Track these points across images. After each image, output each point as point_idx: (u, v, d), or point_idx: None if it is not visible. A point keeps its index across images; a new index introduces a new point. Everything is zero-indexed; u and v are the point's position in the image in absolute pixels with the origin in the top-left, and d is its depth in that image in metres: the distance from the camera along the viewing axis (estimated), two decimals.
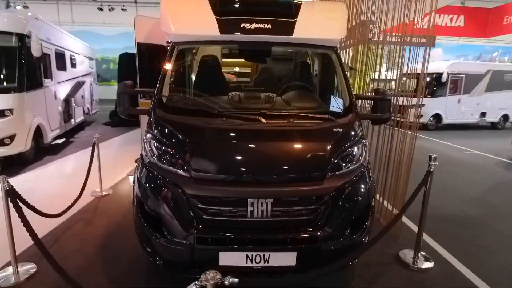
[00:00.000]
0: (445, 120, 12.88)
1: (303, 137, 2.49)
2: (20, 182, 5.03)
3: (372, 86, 19.46)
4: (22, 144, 5.68)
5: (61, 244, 3.34)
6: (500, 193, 5.57)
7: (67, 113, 8.16)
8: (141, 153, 2.61)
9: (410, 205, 2.94)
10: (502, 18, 15.21)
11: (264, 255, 2.15)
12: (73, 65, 9.06)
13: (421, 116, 12.53)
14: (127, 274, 2.85)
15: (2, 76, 5.57)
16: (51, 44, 7.15)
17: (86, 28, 19.74)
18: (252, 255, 2.14)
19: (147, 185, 2.36)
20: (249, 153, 2.34)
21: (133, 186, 2.54)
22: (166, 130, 2.51)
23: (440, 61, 13.56)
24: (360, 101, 5.92)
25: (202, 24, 3.25)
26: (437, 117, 12.78)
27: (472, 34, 16.12)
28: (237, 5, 3.55)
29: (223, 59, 4.59)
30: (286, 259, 2.17)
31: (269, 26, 3.22)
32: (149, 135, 2.56)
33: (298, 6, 3.46)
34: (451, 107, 12.70)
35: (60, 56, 7.89)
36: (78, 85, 8.74)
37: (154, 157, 2.41)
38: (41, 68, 6.35)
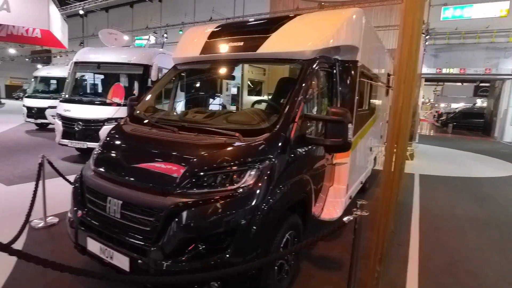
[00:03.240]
0: None
1: (175, 149, 2.46)
2: None
3: None
4: None
5: None
6: None
7: None
8: None
9: None
10: None
11: (110, 251, 2.32)
12: None
13: None
14: None
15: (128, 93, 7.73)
16: None
17: None
18: (103, 248, 2.36)
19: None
20: (125, 156, 2.57)
21: None
22: (108, 132, 3.08)
23: None
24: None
25: (193, 48, 3.72)
26: None
27: None
28: (226, 27, 3.83)
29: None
30: (122, 262, 2.25)
31: (242, 43, 3.31)
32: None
33: (281, 21, 3.38)
34: None
35: None
36: None
37: (92, 153, 3.04)
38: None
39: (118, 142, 2.84)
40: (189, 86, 3.92)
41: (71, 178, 4.01)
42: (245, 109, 3.33)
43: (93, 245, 2.42)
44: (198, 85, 3.92)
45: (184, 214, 2.10)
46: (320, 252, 3.62)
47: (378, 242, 2.57)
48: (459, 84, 28.66)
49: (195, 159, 2.30)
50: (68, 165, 7.12)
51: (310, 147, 2.96)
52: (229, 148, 2.38)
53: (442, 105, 33.81)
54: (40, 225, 3.94)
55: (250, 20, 3.94)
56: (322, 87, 3.36)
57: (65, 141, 7.19)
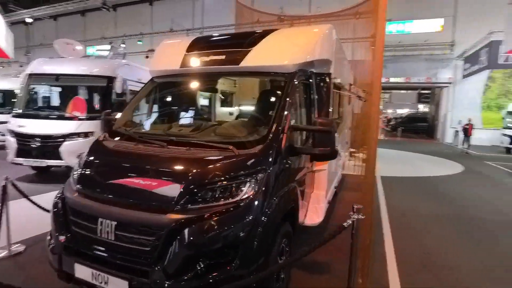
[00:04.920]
0: None
1: (170, 164, 2.44)
2: None
3: (510, 120, 15.85)
4: None
5: None
6: None
7: None
8: None
9: None
10: None
11: (104, 276, 2.19)
12: None
13: None
14: None
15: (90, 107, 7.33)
16: (141, 83, 9.05)
17: None
18: (96, 273, 2.22)
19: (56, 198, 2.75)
20: (114, 174, 2.46)
21: None
22: (88, 148, 2.92)
23: None
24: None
25: (171, 61, 3.67)
26: None
27: None
28: (206, 40, 3.84)
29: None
30: (120, 286, 2.14)
31: (223, 57, 3.34)
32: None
33: (261, 35, 3.48)
34: None
35: None
36: None
37: (72, 172, 2.85)
38: (125, 101, 8.11)
39: (103, 160, 2.71)
40: (169, 99, 3.86)
41: (36, 199, 3.74)
42: (232, 122, 3.36)
43: (83, 271, 2.28)
44: (178, 98, 3.88)
45: (188, 230, 2.08)
46: (307, 257, 3.74)
47: (367, 244, 2.74)
48: (404, 91, 31.39)
49: (193, 174, 2.28)
50: (26, 186, 6.49)
51: (296, 156, 3.08)
52: (226, 161, 2.40)
53: (389, 111, 36.64)
54: (3, 254, 3.56)
55: (227, 34, 4.00)
56: (302, 98, 3.52)
57: (20, 160, 6.58)
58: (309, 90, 3.65)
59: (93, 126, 6.91)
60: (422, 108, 31.99)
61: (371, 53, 9.62)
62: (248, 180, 2.32)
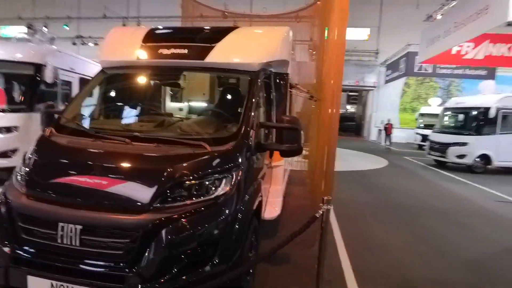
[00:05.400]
0: (496, 163, 10.93)
1: (143, 162, 2.33)
2: None
3: (421, 121, 18.03)
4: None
5: None
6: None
7: None
8: None
9: None
10: None
11: (68, 286, 1.98)
12: None
13: (464, 156, 10.93)
14: None
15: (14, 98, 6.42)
16: (75, 73, 8.15)
17: None
18: (57, 284, 2.00)
19: None
20: (75, 174, 2.24)
21: None
22: (34, 146, 2.58)
23: (492, 94, 11.88)
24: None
25: (126, 51, 3.42)
26: (485, 158, 10.93)
27: None
28: (165, 32, 3.66)
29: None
30: None
31: (186, 51, 3.23)
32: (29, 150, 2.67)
33: (224, 31, 3.44)
34: (503, 148, 10.78)
35: (85, 83, 8.90)
36: None
37: (14, 173, 2.48)
38: (57, 93, 7.23)
39: (59, 158, 2.42)
40: (124, 93, 3.58)
41: None
42: (196, 118, 3.28)
43: (39, 284, 2.03)
44: (134, 92, 3.62)
45: (166, 230, 2.01)
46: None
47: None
48: None
49: (168, 172, 2.20)
50: None
51: (260, 153, 3.17)
52: (201, 158, 2.36)
53: None
54: None
55: (185, 28, 3.90)
56: (262, 96, 3.63)
57: None
58: (269, 89, 3.77)
59: (17, 120, 6.03)
60: (350, 108, 35.14)
61: (313, 55, 10.24)
62: (223, 176, 2.33)
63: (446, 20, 11.03)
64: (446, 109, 13.12)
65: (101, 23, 19.20)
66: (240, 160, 2.52)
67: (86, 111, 3.32)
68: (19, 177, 2.37)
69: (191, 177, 2.22)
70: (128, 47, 3.42)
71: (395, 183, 8.68)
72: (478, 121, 11.11)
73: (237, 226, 2.27)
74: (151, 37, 3.45)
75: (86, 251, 2.01)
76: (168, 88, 4.46)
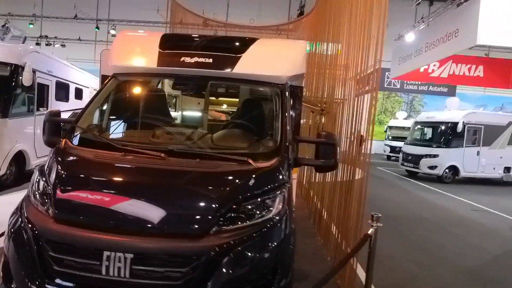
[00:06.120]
0: (463, 173, 11.81)
1: (195, 180, 2.14)
2: None
3: (389, 133, 18.91)
4: None
5: None
6: (508, 267, 4.70)
7: None
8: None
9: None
10: None
11: None
12: (79, 97, 9.47)
13: (435, 167, 11.66)
14: None
15: None
16: (52, 76, 7.53)
17: None
18: None
19: (12, 231, 2.02)
20: (115, 194, 1.99)
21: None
22: (54, 161, 2.27)
23: (457, 110, 12.90)
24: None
25: (143, 57, 3.20)
26: (454, 169, 11.77)
27: (492, 85, 15.39)
28: (184, 40, 3.49)
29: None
30: None
31: (210, 60, 3.07)
32: (43, 167, 2.34)
33: (247, 42, 3.34)
34: (469, 160, 11.69)
35: (62, 87, 8.27)
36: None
37: (32, 193, 2.15)
38: (33, 97, 6.61)
39: (91, 176, 2.12)
40: (141, 101, 3.29)
41: None
42: (226, 131, 3.10)
43: None
44: (154, 101, 3.35)
45: (231, 255, 1.83)
46: None
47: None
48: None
49: (227, 191, 2.03)
50: None
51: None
52: (255, 175, 2.21)
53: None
54: None
55: (202, 36, 3.73)
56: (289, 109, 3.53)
57: None
58: (287, 103, 3.71)
59: None
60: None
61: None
62: (276, 194, 2.20)
63: (419, 40, 11.85)
64: (417, 122, 13.99)
65: (69, 24, 18.08)
66: (286, 176, 2.42)
67: (102, 121, 3.01)
68: (39, 197, 2.05)
69: (249, 196, 2.07)
70: (145, 52, 3.20)
71: (379, 193, 8.98)
72: (447, 135, 11.97)
73: (291, 246, 2.16)
74: (167, 44, 3.24)
75: (137, 283, 1.76)
76: (188, 98, 4.22)
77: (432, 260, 4.52)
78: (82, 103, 9.77)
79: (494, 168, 12.04)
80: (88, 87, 10.37)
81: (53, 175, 2.11)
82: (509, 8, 8.39)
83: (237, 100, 4.04)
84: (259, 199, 2.11)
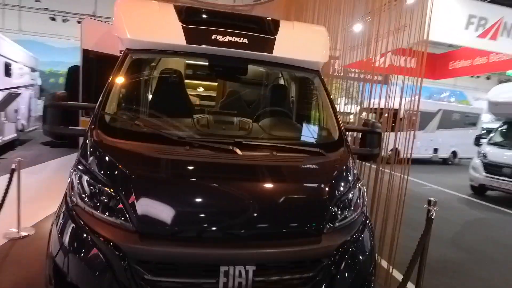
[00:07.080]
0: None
1: (293, 176, 1.92)
2: None
3: None
4: None
5: None
6: (474, 233, 5.44)
7: None
8: (65, 193, 1.85)
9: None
10: (447, 64, 16.78)
11: None
12: (8, 74, 7.83)
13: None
14: None
15: None
16: None
17: (35, 38, 17.95)
18: None
19: (69, 242, 1.59)
20: (223, 199, 1.69)
21: (48, 241, 1.74)
22: (106, 160, 1.80)
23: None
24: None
25: (165, 31, 2.68)
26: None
27: (421, 76, 17.55)
28: (208, 15, 3.04)
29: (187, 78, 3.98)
30: None
31: (246, 40, 2.72)
32: (80, 166, 1.83)
33: (277, 23, 3.05)
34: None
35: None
36: (11, 97, 7.48)
37: (83, 199, 1.68)
38: None
39: (173, 180, 1.72)
40: (170, 84, 2.75)
41: None
42: (274, 119, 2.82)
43: None
44: (182, 84, 2.83)
45: (349, 254, 1.69)
46: None
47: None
48: None
49: (329, 185, 1.86)
50: None
51: None
52: (337, 167, 2.08)
53: None
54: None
55: (226, 12, 3.32)
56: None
57: None
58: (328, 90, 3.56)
59: None
60: None
61: None
62: (360, 187, 2.11)
63: (369, 31, 12.66)
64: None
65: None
66: (355, 166, 2.34)
67: (126, 107, 2.48)
68: (103, 207, 1.59)
69: (346, 190, 1.94)
70: (166, 26, 2.70)
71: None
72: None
73: (375, 249, 2.12)
74: (190, 18, 2.78)
75: None
76: (218, 82, 3.71)
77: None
78: (12, 82, 8.12)
79: (426, 150, 13.83)
80: (17, 62, 8.65)
81: (118, 180, 1.66)
82: (452, 7, 9.52)
83: (260, 85, 3.74)
84: (349, 193, 2.00)
